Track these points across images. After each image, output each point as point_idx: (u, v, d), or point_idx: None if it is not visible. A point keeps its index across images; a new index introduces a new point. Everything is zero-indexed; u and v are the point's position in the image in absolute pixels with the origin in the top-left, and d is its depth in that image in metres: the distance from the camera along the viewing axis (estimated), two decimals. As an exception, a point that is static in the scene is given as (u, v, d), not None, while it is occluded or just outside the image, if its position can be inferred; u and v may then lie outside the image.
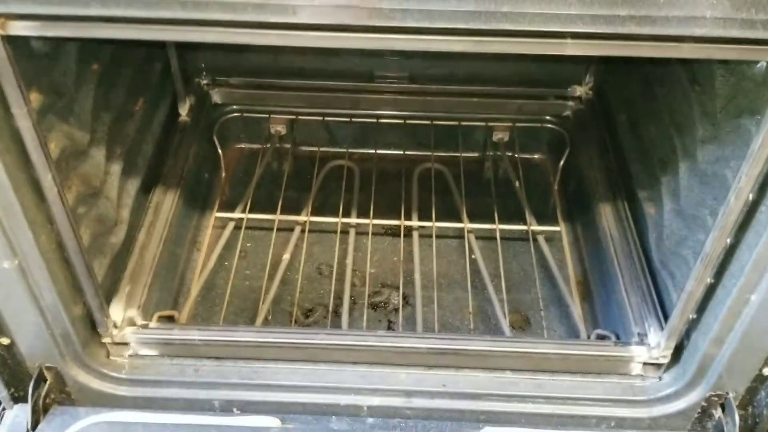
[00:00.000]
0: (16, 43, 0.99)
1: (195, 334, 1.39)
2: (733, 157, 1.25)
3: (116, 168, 1.50)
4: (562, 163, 2.05)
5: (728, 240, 1.24)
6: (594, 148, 1.96)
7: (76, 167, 1.35)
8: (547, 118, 2.11)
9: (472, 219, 1.92)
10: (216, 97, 2.05)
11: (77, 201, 1.34)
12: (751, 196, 1.16)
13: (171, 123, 1.88)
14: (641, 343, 1.46)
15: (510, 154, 2.12)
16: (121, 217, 1.52)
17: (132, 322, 1.44)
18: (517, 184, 2.03)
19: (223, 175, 2.05)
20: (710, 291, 1.31)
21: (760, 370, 1.33)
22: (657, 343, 1.43)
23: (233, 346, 1.42)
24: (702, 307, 1.34)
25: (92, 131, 1.40)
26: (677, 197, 1.48)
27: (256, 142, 2.13)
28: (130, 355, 1.42)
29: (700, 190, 1.38)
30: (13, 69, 1.00)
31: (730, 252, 1.23)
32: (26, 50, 1.21)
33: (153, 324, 1.46)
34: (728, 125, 1.27)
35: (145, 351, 1.43)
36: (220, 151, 2.02)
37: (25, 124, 1.06)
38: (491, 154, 2.15)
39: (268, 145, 2.09)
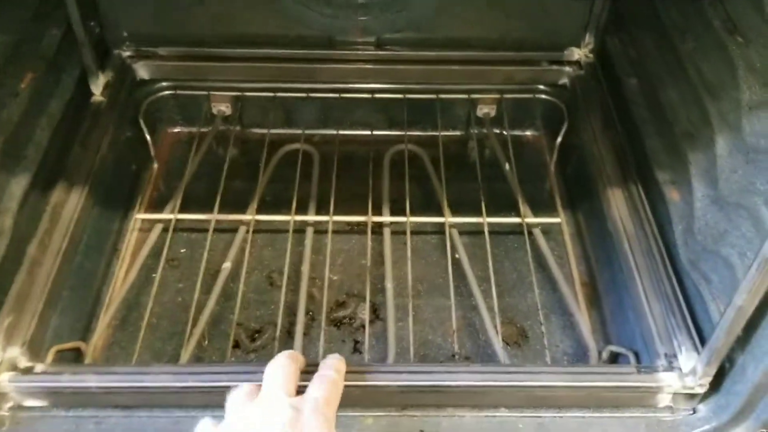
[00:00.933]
0: None
1: (91, 380, 1.06)
2: (800, 127, 0.93)
3: (-10, 163, 1.16)
4: (559, 140, 1.72)
5: (795, 238, 0.93)
6: (598, 122, 1.63)
7: None
8: (540, 87, 1.77)
9: (455, 211, 1.59)
10: (142, 71, 1.70)
11: None
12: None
13: (81, 104, 1.53)
14: (670, 368, 1.15)
15: (498, 131, 1.79)
16: (2, 226, 1.18)
17: (13, 365, 1.10)
18: (506, 166, 1.70)
19: (155, 166, 1.71)
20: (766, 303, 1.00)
21: (832, 402, 1.02)
22: (692, 369, 1.12)
23: (145, 393, 1.10)
24: (754, 324, 1.03)
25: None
26: (713, 180, 1.16)
27: (194, 125, 1.78)
28: (11, 408, 1.09)
29: (748, 171, 1.06)
30: None
31: (798, 254, 0.91)
32: None
33: (42, 366, 1.12)
34: (792, 83, 0.95)
35: (31, 402, 1.10)
36: (148, 137, 1.67)
37: None
38: (476, 131, 1.82)
39: (210, 129, 1.75)
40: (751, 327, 1.04)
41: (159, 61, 1.69)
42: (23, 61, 1.30)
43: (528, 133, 1.87)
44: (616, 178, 1.50)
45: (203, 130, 1.74)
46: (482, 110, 1.78)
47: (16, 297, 1.18)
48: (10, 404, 1.09)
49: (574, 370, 1.21)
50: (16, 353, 1.11)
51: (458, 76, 1.75)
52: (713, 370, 1.09)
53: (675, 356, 1.17)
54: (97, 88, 1.57)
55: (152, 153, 1.69)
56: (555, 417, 1.14)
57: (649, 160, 1.42)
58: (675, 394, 1.14)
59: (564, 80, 1.76)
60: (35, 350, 1.16)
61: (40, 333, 1.18)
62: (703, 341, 1.17)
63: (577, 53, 1.76)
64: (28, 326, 1.16)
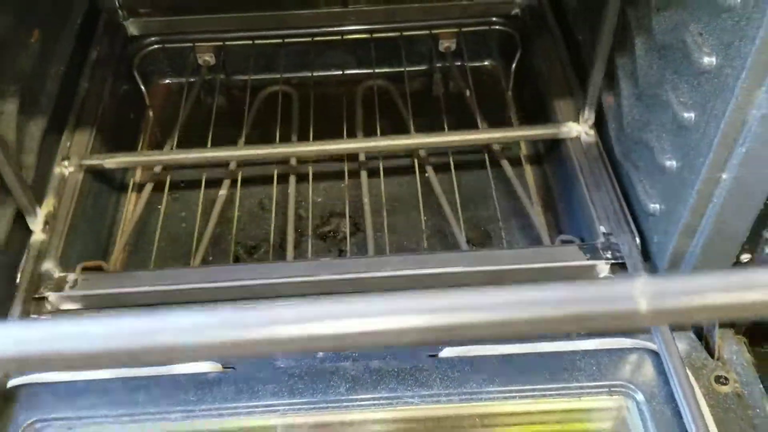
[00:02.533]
0: None
1: (121, 283, 1.26)
2: (692, 20, 1.11)
3: (11, 107, 1.33)
4: (514, 66, 1.91)
5: (692, 114, 1.13)
6: (547, 47, 1.81)
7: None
8: (494, 19, 1.95)
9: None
10: (132, 28, 1.87)
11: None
12: (714, 60, 1.04)
13: (80, 58, 1.70)
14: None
15: (459, 63, 1.97)
16: (26, 163, 1.36)
17: (49, 276, 1.30)
18: (467, 93, 1.89)
19: (150, 114, 1.88)
20: (678, 175, 1.20)
21: (738, 257, 1.22)
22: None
23: (166, 292, 1.29)
24: (669, 195, 1.23)
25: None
26: (635, 79, 1.35)
27: (183, 75, 1.95)
28: (50, 312, 1.28)
29: (660, 66, 1.25)
30: None
31: (696, 127, 1.11)
32: None
33: (73, 275, 1.31)
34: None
35: (67, 305, 1.29)
36: (143, 88, 1.85)
37: None
38: (439, 65, 2.00)
39: (197, 78, 1.92)
40: (668, 200, 1.24)
41: (146, 17, 1.85)
42: (31, 18, 1.45)
43: (486, 63, 2.04)
44: (563, 94, 1.69)
45: (191, 79, 1.91)
46: (443, 45, 1.96)
47: (44, 220, 1.36)
48: (48, 308, 1.28)
49: (526, 250, 1.41)
50: (50, 266, 1.30)
51: (419, 13, 1.92)
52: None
53: (611, 233, 1.37)
54: (37, 225, 1.37)
55: (147, 102, 1.87)
56: (513, 291, 1.34)
57: (589, 72, 1.60)
58: (612, 264, 1.34)
59: (516, 10, 1.93)
60: (65, 265, 1.34)
61: (69, 252, 1.37)
62: (635, 220, 1.37)
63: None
64: (58, 246, 1.35)
